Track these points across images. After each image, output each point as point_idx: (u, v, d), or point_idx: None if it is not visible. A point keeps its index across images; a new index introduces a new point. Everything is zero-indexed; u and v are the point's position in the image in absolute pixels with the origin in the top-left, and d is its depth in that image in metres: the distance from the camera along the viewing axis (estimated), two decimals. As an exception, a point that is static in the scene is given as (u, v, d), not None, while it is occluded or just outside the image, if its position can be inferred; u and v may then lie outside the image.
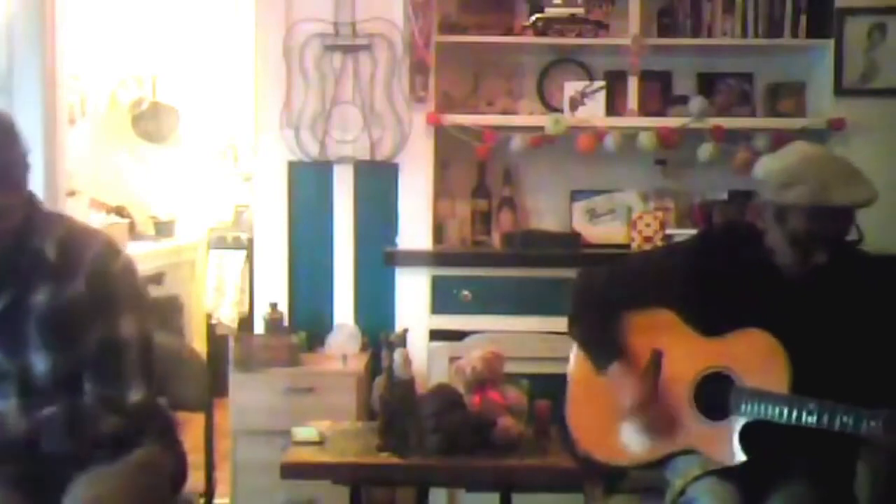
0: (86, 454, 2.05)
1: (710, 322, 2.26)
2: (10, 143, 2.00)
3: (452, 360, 2.95)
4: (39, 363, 2.03)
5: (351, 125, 3.59)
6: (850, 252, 2.25)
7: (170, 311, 5.04)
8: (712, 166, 3.64)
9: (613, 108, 3.65)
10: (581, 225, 3.76)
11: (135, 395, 2.07)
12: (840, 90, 3.59)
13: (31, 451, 2.00)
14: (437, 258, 3.51)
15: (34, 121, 3.55)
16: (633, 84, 3.61)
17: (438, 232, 3.67)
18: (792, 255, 2.19)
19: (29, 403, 2.03)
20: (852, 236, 2.22)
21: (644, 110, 3.64)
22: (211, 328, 5.40)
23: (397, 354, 2.52)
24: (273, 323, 3.48)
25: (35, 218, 2.06)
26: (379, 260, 3.54)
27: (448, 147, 3.64)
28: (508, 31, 3.69)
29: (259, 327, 3.57)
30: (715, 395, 2.22)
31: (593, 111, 3.59)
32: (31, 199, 2.08)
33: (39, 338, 2.02)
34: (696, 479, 2.16)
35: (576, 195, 3.78)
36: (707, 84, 3.80)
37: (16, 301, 2.02)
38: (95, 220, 4.85)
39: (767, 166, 2.21)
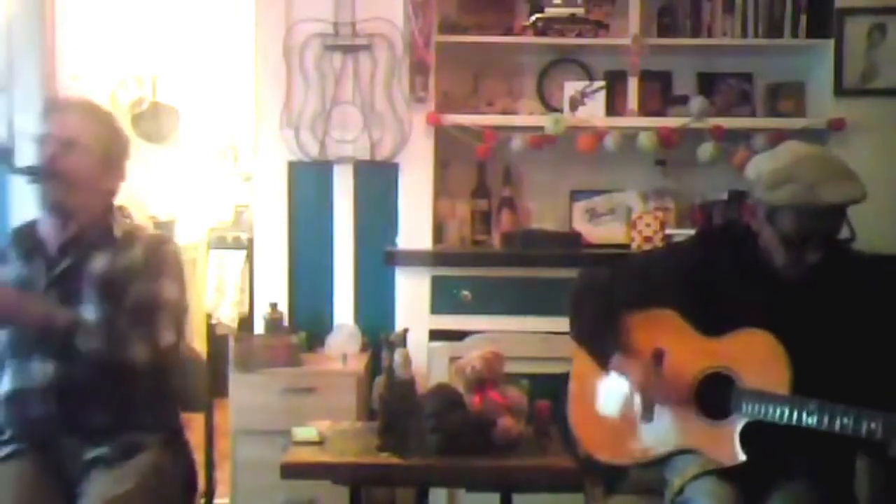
0: (114, 379, 2.20)
1: (711, 322, 2.26)
2: (122, 138, 2.40)
3: (452, 360, 2.95)
4: (87, 314, 2.22)
5: (351, 125, 3.59)
6: (846, 252, 2.26)
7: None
8: (712, 166, 3.63)
9: (613, 108, 3.65)
10: (581, 225, 3.76)
11: (166, 339, 2.26)
12: (840, 90, 3.59)
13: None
14: (437, 258, 3.51)
15: (34, 121, 3.55)
16: (633, 84, 3.61)
17: (438, 232, 3.68)
18: (785, 254, 2.19)
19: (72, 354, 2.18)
20: (845, 234, 2.22)
21: (644, 110, 3.64)
22: (211, 328, 5.39)
23: (397, 354, 2.52)
24: (273, 323, 3.48)
25: (112, 206, 2.41)
26: (379, 260, 3.54)
27: (448, 147, 3.64)
28: (508, 31, 3.69)
29: (259, 327, 3.57)
30: (715, 395, 2.22)
31: (593, 111, 3.59)
32: (113, 194, 2.42)
33: (92, 294, 2.25)
34: (695, 478, 2.16)
35: (576, 195, 3.79)
36: (707, 84, 3.80)
37: (77, 263, 2.28)
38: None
39: (758, 167, 2.21)
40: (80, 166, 2.26)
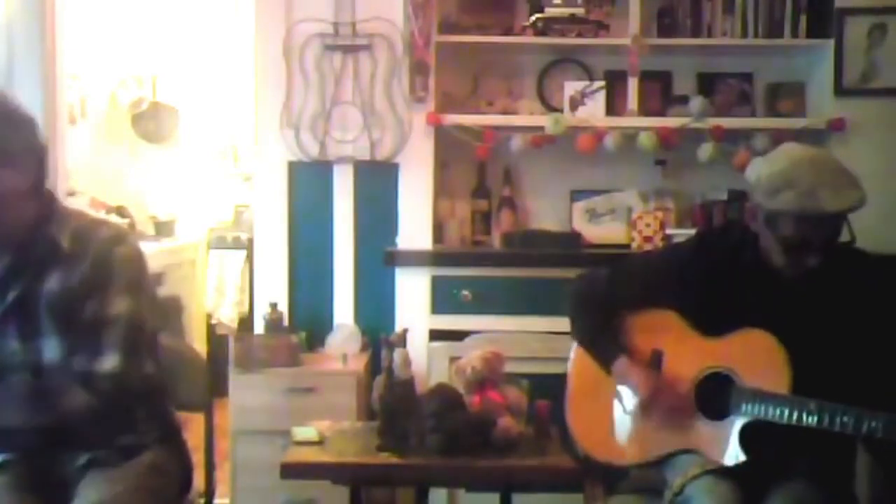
0: (61, 428, 2.03)
1: (711, 322, 2.26)
2: (14, 124, 2.01)
3: (452, 360, 2.95)
4: (51, 348, 2.04)
5: (351, 125, 3.59)
6: (847, 252, 2.25)
7: (170, 311, 5.04)
8: (712, 166, 3.63)
9: (613, 108, 3.65)
10: (581, 225, 3.75)
11: (106, 365, 2.01)
12: (840, 90, 3.59)
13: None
14: (437, 258, 3.51)
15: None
16: (633, 84, 3.61)
17: (438, 232, 3.68)
18: (785, 258, 2.19)
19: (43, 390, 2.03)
20: (844, 238, 2.22)
21: (644, 110, 3.64)
22: (211, 328, 5.40)
23: (397, 354, 2.51)
24: (273, 323, 3.48)
25: (53, 213, 2.08)
26: (379, 260, 3.54)
27: (448, 147, 3.64)
28: (508, 31, 3.70)
29: (259, 327, 3.57)
30: (715, 395, 2.22)
31: (593, 111, 3.59)
32: (51, 197, 2.11)
33: (50, 322, 2.03)
34: (695, 477, 2.16)
35: (576, 195, 3.78)
36: (707, 84, 3.80)
37: (29, 288, 2.03)
38: (95, 220, 4.84)
39: (757, 171, 2.20)
40: None
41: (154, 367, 2.19)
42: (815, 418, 2.05)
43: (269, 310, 3.50)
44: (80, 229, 2.08)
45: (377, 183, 3.62)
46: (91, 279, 2.03)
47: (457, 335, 3.29)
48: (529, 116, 3.68)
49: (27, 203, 2.03)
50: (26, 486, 2.08)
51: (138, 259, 2.13)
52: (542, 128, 3.55)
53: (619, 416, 2.38)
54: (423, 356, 3.35)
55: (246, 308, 5.33)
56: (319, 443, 2.52)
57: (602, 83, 3.65)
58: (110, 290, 2.03)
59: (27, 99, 3.56)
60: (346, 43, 3.56)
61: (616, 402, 2.38)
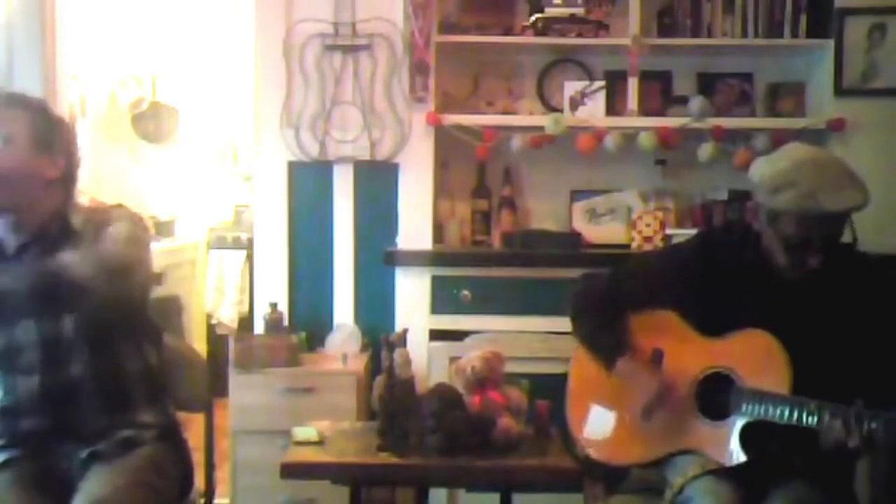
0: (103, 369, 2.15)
1: (711, 322, 2.26)
2: (50, 118, 2.20)
3: (452, 360, 2.95)
4: (68, 322, 2.13)
5: (351, 125, 3.60)
6: (847, 252, 2.25)
7: (170, 311, 5.04)
8: (712, 166, 3.64)
9: (613, 108, 3.65)
10: (581, 225, 3.76)
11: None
12: (840, 90, 3.59)
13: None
14: (437, 258, 3.51)
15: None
16: (633, 84, 3.61)
17: (438, 232, 3.68)
18: (786, 257, 2.19)
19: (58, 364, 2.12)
20: (847, 238, 2.22)
21: (644, 110, 3.64)
22: (211, 328, 5.40)
23: (397, 354, 2.51)
24: (273, 323, 3.48)
25: (72, 207, 2.23)
26: (379, 260, 3.54)
27: (448, 147, 3.64)
28: (508, 31, 3.70)
29: (259, 327, 3.58)
30: (715, 395, 2.22)
31: (593, 111, 3.60)
32: (72, 197, 2.24)
33: None
34: (695, 477, 2.16)
35: (576, 195, 3.79)
36: (707, 84, 3.80)
37: None
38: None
39: (760, 170, 2.20)
40: (7, 159, 2.09)
41: (157, 358, 2.30)
42: (815, 418, 2.05)
43: (269, 310, 3.50)
44: (93, 213, 2.24)
45: (377, 183, 3.62)
46: (92, 239, 2.14)
47: (457, 335, 3.29)
48: (529, 116, 3.68)
49: (53, 192, 2.17)
50: (30, 482, 2.12)
51: (133, 216, 2.25)
52: (542, 128, 3.55)
53: (619, 416, 2.38)
54: (423, 356, 3.34)
55: (246, 308, 5.33)
56: (319, 443, 2.52)
57: (602, 83, 3.65)
58: (105, 238, 2.13)
59: (27, 99, 3.58)
60: (346, 43, 3.56)
61: (617, 402, 2.38)
